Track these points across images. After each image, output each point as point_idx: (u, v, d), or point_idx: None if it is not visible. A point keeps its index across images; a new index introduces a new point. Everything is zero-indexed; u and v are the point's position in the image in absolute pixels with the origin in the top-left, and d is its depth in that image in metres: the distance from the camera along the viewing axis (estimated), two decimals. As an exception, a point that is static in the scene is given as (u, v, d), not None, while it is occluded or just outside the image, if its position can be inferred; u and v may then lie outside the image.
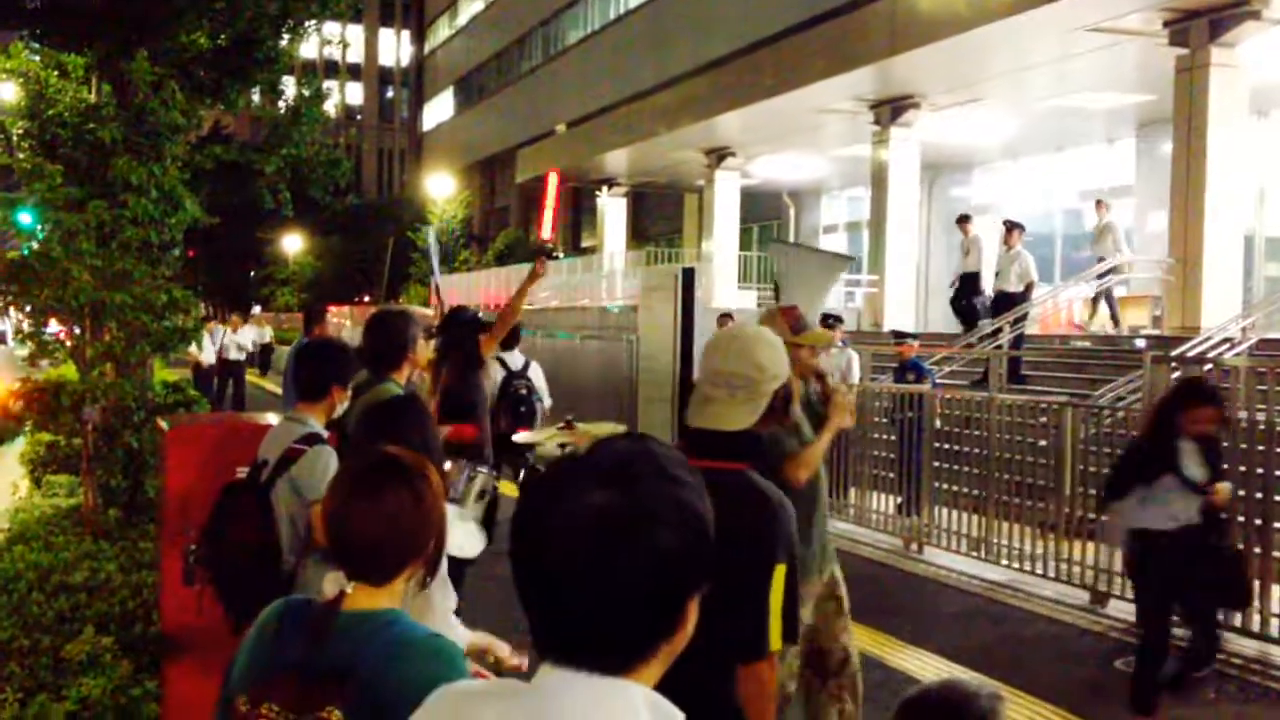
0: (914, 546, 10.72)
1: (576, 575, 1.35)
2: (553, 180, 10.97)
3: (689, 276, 13.05)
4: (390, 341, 4.95)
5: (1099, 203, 18.15)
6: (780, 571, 2.79)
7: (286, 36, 15.15)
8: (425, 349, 5.31)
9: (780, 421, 3.13)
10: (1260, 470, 7.55)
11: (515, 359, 10.24)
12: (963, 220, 18.14)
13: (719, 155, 27.72)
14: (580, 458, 1.43)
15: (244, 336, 23.06)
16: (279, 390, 21.80)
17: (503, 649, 3.44)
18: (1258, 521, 7.53)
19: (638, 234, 39.25)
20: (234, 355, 22.40)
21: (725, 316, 17.04)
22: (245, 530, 4.07)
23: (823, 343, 4.78)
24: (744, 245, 30.45)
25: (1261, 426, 7.56)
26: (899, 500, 11.30)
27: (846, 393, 4.78)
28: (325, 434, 4.30)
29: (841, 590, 4.84)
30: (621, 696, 1.36)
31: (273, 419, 6.44)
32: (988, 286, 17.10)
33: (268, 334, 23.58)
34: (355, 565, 2.30)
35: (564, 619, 1.37)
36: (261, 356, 22.30)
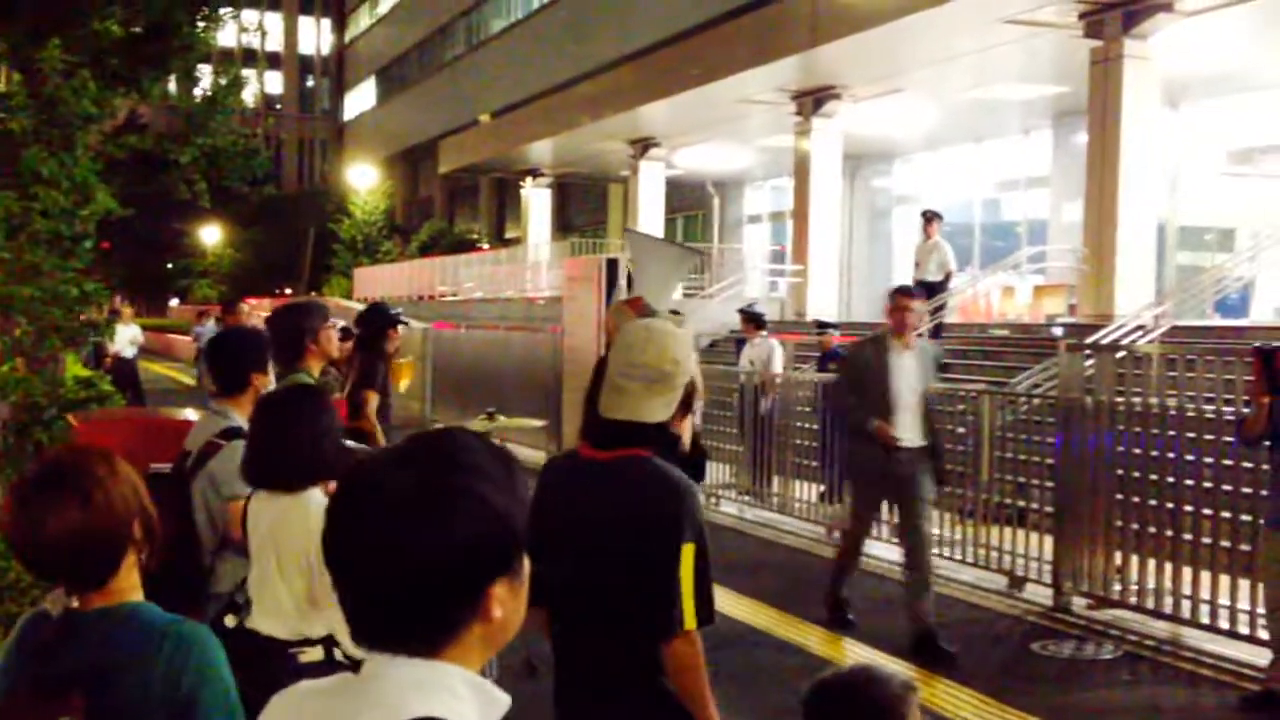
0: (836, 534, 10.80)
1: (368, 555, 1.37)
2: None
3: (613, 267, 13.04)
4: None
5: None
6: (688, 551, 2.82)
7: (202, 23, 14.93)
8: (333, 341, 5.13)
9: (686, 414, 3.13)
10: (1171, 455, 7.71)
11: None
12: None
13: (643, 145, 27.73)
14: (390, 447, 1.46)
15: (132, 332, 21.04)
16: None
17: None
18: (1169, 505, 7.70)
19: (563, 225, 39.17)
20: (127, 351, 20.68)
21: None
22: (165, 521, 3.98)
23: None
24: (669, 235, 30.48)
25: (1172, 412, 7.72)
26: (822, 488, 11.39)
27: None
28: (245, 427, 4.21)
29: None
30: (440, 677, 1.38)
31: (190, 414, 6.33)
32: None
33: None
34: (60, 579, 2.15)
35: (364, 600, 1.39)
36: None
